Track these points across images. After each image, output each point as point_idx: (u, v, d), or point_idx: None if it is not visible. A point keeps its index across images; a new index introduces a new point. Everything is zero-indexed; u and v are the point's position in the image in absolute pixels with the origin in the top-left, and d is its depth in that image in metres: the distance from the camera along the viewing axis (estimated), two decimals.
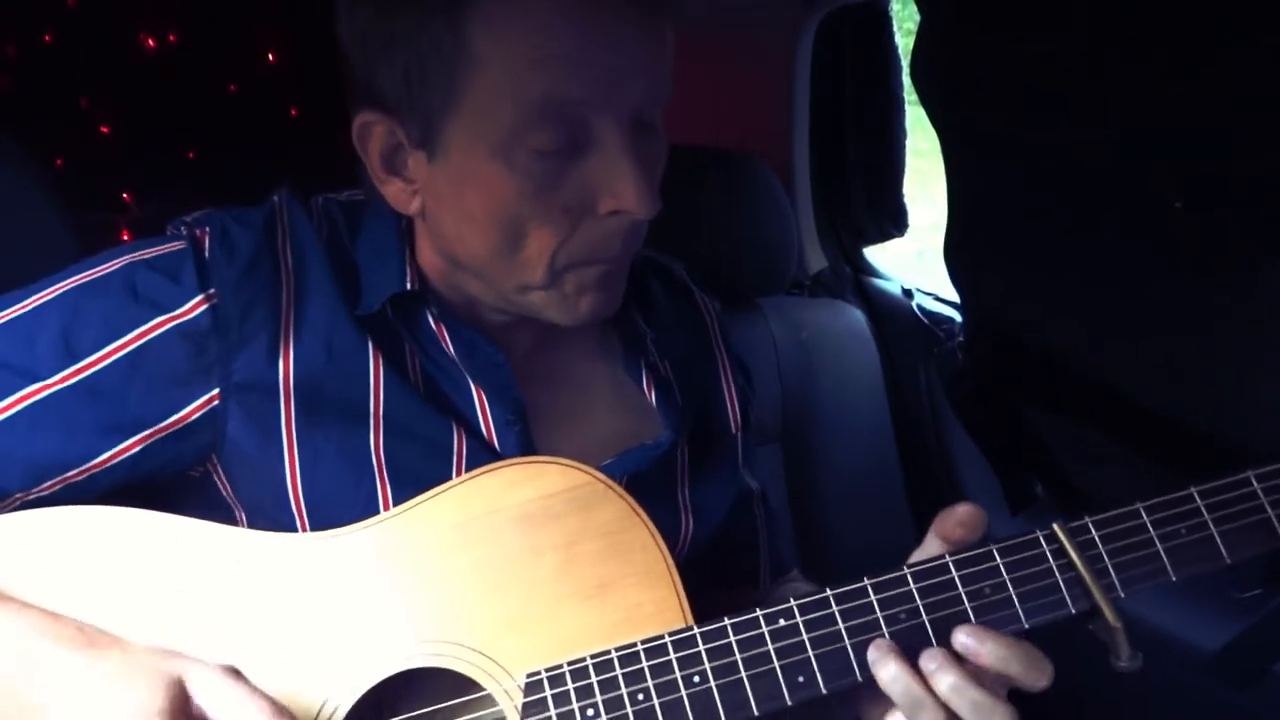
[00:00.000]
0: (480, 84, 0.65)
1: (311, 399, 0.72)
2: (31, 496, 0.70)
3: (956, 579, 0.66)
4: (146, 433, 0.70)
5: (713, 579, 0.91)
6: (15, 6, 2.19)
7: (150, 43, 2.33)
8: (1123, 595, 0.66)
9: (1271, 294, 0.95)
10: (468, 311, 0.78)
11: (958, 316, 1.51)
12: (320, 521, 0.71)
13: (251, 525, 0.73)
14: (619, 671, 0.64)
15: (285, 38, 2.39)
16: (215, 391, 0.70)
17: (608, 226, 0.70)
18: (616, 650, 0.65)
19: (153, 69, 2.34)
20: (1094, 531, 0.67)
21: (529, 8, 0.64)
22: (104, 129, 2.32)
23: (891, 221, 1.70)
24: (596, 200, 0.69)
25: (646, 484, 0.72)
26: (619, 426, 0.82)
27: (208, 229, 0.73)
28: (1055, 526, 0.67)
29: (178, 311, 0.70)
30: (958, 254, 1.36)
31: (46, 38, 2.24)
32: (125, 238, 2.15)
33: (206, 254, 0.71)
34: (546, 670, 0.65)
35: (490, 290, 0.74)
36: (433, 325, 0.76)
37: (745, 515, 0.92)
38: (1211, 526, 0.67)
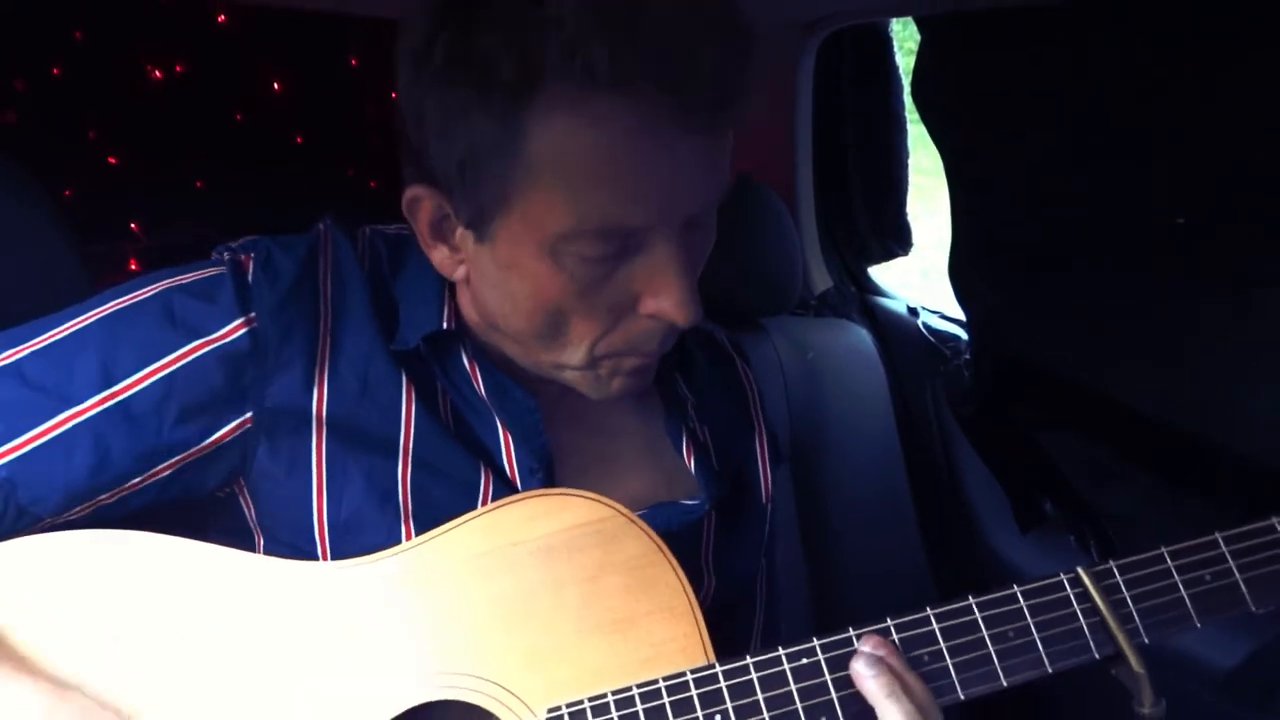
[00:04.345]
0: (534, 190, 0.63)
1: (343, 428, 0.72)
2: (61, 520, 0.70)
3: (980, 620, 0.66)
4: (180, 456, 0.70)
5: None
6: (23, 40, 2.21)
7: (156, 74, 2.35)
8: (1147, 641, 0.65)
9: (1274, 307, 0.95)
10: (501, 360, 0.78)
11: (964, 334, 1.51)
12: (341, 549, 0.71)
13: (270, 550, 0.73)
14: (640, 708, 0.64)
15: (290, 67, 2.41)
16: (248, 415, 0.71)
17: (647, 325, 0.70)
18: (638, 687, 0.64)
19: (159, 100, 2.36)
20: (1118, 576, 0.67)
21: (590, 122, 0.61)
22: (111, 159, 2.34)
23: (895, 240, 1.70)
24: (639, 301, 0.69)
25: (671, 544, 0.72)
26: (648, 481, 0.82)
27: (253, 254, 0.73)
28: (1080, 570, 0.67)
29: (216, 335, 0.70)
30: (962, 271, 1.37)
31: (54, 70, 2.27)
32: (134, 266, 2.17)
33: (250, 278, 0.72)
34: (568, 706, 0.64)
35: (526, 356, 0.75)
36: (466, 364, 0.76)
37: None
38: (1236, 573, 0.67)
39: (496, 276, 0.70)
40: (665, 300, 0.67)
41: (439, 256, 0.73)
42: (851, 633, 0.66)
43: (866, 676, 0.64)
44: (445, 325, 0.75)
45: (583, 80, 0.59)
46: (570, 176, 0.62)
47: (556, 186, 0.63)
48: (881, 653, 0.65)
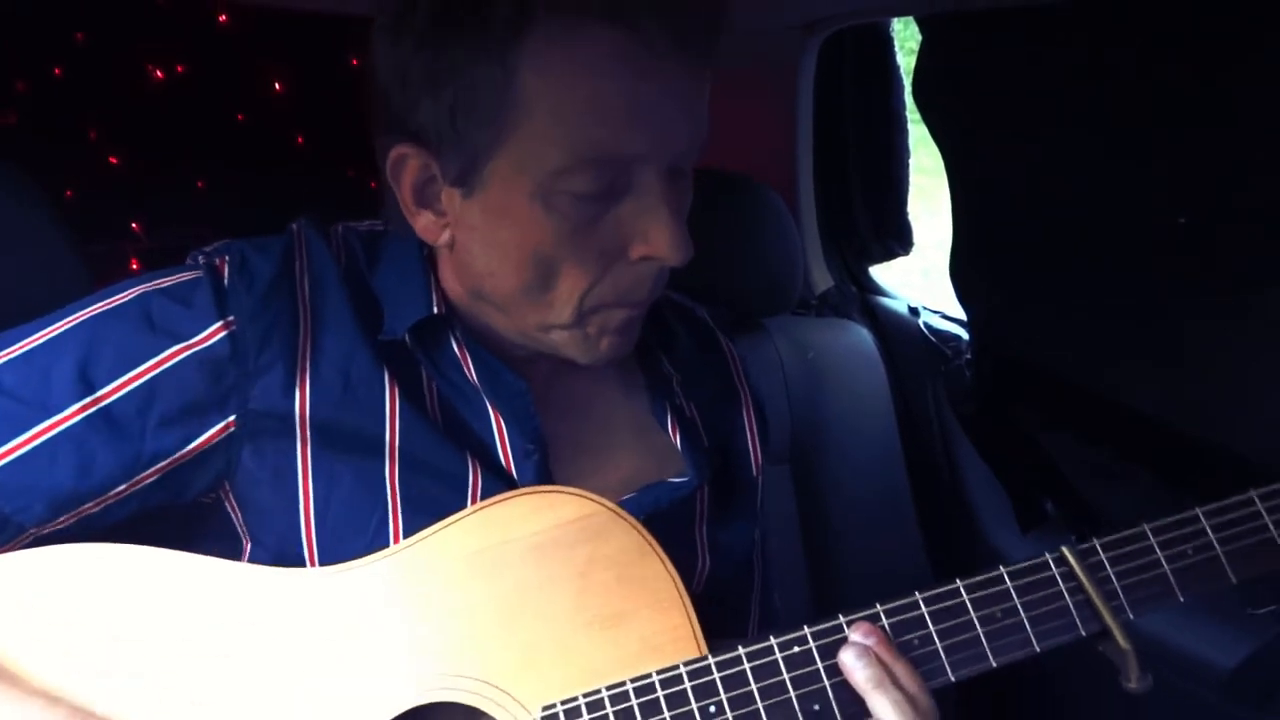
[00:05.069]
0: (528, 126, 0.65)
1: (327, 429, 0.71)
2: (46, 531, 0.69)
3: (968, 603, 0.67)
4: (164, 463, 0.69)
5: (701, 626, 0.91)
6: (24, 40, 2.22)
7: (158, 74, 2.35)
8: (1132, 617, 0.67)
9: (1274, 307, 0.95)
10: (487, 341, 0.78)
11: (965, 334, 1.51)
12: (329, 551, 0.70)
13: (256, 554, 0.73)
14: (635, 702, 0.64)
15: (291, 67, 2.41)
16: (231, 419, 0.70)
17: (638, 271, 0.70)
18: (632, 682, 0.65)
19: (159, 100, 2.36)
20: (1102, 554, 0.68)
21: (583, 54, 0.63)
22: (113, 160, 2.34)
23: (896, 240, 1.70)
24: (630, 245, 0.69)
25: (664, 522, 0.72)
26: (639, 464, 0.82)
27: (227, 258, 0.73)
28: (1064, 549, 0.68)
29: (195, 339, 0.69)
30: (963, 271, 1.36)
31: (55, 71, 2.27)
32: (134, 266, 2.17)
33: (226, 282, 0.71)
34: (562, 703, 0.64)
35: (511, 325, 0.75)
36: (456, 350, 0.76)
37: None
38: (1217, 547, 0.68)
39: (485, 229, 0.70)
40: (658, 240, 0.68)
41: (423, 222, 0.73)
42: (841, 619, 0.66)
43: (855, 668, 0.64)
44: (435, 310, 0.74)
45: (577, 12, 0.62)
46: (563, 108, 0.64)
47: (550, 120, 0.64)
48: (870, 641, 0.65)
